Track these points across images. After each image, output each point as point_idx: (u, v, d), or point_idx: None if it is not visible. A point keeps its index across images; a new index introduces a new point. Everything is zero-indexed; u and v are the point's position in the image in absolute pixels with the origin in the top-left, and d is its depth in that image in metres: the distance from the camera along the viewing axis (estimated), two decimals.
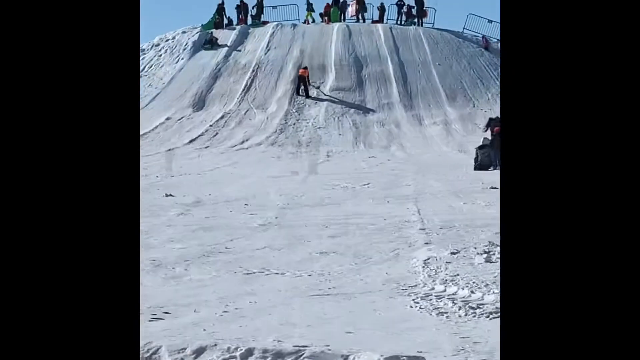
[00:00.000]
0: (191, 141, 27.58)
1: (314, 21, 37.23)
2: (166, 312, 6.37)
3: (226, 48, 34.49)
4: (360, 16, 36.87)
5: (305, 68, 31.77)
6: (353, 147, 27.27)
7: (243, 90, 32.16)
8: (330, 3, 36.53)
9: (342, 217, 11.48)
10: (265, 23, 36.48)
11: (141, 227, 10.41)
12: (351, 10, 37.20)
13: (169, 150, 25.97)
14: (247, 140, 27.73)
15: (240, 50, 34.60)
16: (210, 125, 29.22)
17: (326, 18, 36.47)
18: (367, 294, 6.89)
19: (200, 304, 6.65)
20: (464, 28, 36.04)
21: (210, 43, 34.70)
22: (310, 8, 37.69)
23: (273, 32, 35.43)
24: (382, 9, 36.47)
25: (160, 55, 34.93)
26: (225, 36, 35.76)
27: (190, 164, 22.58)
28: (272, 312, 6.35)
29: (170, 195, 14.21)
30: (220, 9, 36.24)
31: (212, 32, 35.21)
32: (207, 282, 7.45)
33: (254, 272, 7.81)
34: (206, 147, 26.74)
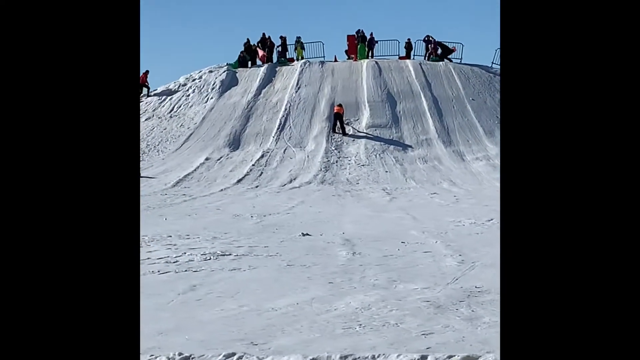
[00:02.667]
0: (239, 181, 26.95)
1: (302, 58, 36.79)
2: None
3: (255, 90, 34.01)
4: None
5: (340, 105, 31.42)
6: (404, 183, 26.79)
7: (278, 128, 31.73)
8: (356, 40, 36.29)
9: None
10: (291, 61, 36.13)
11: (332, 269, 9.91)
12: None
13: (222, 190, 25.35)
14: (294, 179, 27.18)
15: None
16: (253, 165, 28.65)
17: (353, 55, 36.20)
18: None
19: None
20: (492, 62, 36.01)
21: None
22: (300, 46, 37.30)
23: (302, 70, 35.08)
24: (409, 46, 36.32)
25: (189, 95, 34.41)
26: (252, 75, 35.36)
27: (257, 203, 21.94)
28: None
29: (307, 234, 13.65)
30: (249, 48, 35.82)
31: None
32: None
33: None
34: (257, 187, 26.10)
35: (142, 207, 20.94)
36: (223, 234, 13.99)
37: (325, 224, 16.01)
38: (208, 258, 11.04)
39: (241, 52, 36.47)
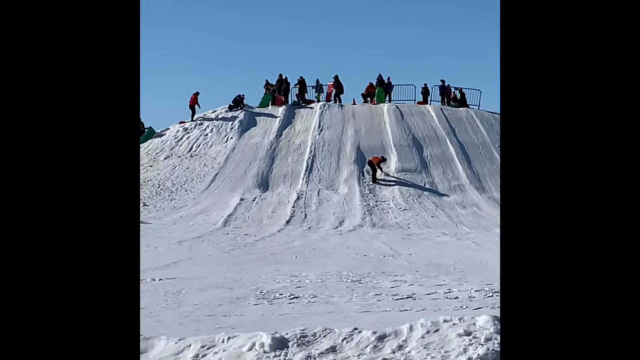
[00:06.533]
0: (287, 222, 25.87)
1: (319, 101, 36.15)
2: None
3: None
4: (336, 98, 35.96)
5: (381, 157, 30.52)
6: (456, 228, 26.07)
7: (306, 170, 30.77)
8: (374, 84, 35.72)
9: None
10: (310, 102, 35.27)
11: None
12: (328, 89, 36.42)
13: (279, 230, 24.24)
14: (342, 222, 26.23)
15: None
16: (293, 207, 27.60)
17: (369, 99, 35.61)
18: None
19: None
20: None
21: None
22: (319, 89, 36.71)
23: (322, 112, 34.28)
24: (425, 91, 35.94)
25: (207, 135, 33.16)
26: (270, 116, 34.43)
27: (342, 244, 20.97)
28: None
29: None
30: (274, 88, 34.83)
31: None
32: None
33: None
34: (309, 228, 25.06)
35: (218, 244, 19.77)
36: (417, 272, 13.07)
37: (481, 266, 15.21)
38: (488, 295, 10.14)
39: (238, 96, 35.52)
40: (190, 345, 5.66)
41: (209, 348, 5.65)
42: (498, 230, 25.50)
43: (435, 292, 10.36)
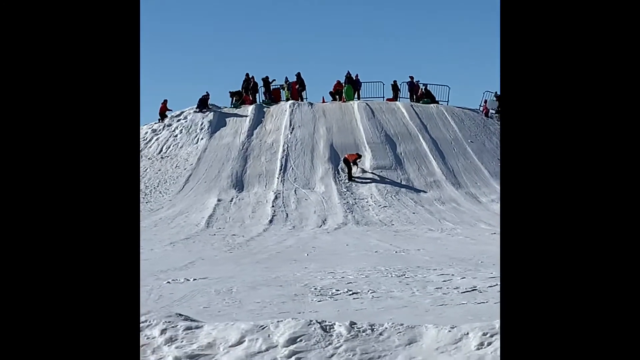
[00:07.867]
0: (270, 222, 25.39)
1: (288, 99, 35.71)
2: None
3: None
4: (300, 95, 35.60)
5: (356, 154, 30.13)
6: (440, 224, 25.85)
7: (280, 170, 30.28)
8: (342, 81, 35.35)
9: None
10: (278, 100, 34.76)
11: None
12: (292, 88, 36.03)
13: (265, 230, 23.74)
14: (325, 220, 25.83)
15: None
16: (272, 207, 27.12)
17: (338, 97, 35.23)
18: None
19: None
20: (479, 106, 35.80)
21: None
22: (288, 87, 36.29)
23: (292, 111, 33.81)
24: (395, 88, 35.69)
25: (177, 136, 32.47)
26: (239, 116, 33.85)
27: (340, 242, 20.60)
28: None
29: None
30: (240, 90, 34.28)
31: None
32: None
33: None
34: (293, 227, 24.64)
35: (212, 245, 19.23)
36: (452, 266, 12.74)
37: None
38: None
39: (203, 95, 34.96)
40: (468, 334, 5.21)
41: (491, 336, 5.19)
42: (483, 226, 25.38)
43: (497, 285, 10.01)
